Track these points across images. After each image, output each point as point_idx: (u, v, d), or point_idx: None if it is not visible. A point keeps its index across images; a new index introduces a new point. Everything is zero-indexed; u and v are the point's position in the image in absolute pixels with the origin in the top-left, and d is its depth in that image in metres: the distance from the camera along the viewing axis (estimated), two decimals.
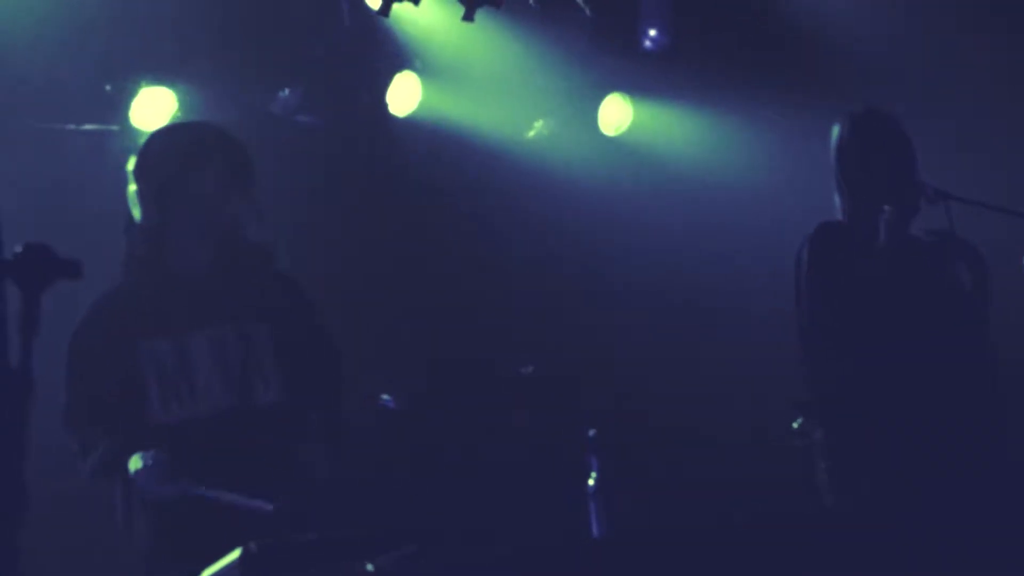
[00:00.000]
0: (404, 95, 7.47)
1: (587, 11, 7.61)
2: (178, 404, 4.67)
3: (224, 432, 4.64)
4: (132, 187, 4.83)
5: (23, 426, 2.64)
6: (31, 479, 2.70)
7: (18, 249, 2.65)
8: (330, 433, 4.86)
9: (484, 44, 7.44)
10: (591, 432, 4.64)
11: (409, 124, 7.56)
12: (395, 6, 6.63)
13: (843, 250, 5.44)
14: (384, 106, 7.41)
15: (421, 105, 7.52)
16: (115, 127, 6.89)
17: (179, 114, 6.85)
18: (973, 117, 7.69)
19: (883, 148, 5.46)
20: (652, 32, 7.87)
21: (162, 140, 4.97)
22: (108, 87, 6.81)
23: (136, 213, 4.81)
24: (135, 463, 4.51)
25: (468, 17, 6.74)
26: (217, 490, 4.47)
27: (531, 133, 8.14)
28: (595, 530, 4.55)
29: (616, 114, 8.14)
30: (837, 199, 5.54)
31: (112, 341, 4.72)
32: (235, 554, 3.77)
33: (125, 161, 5.98)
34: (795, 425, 5.59)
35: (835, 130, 5.57)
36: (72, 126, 6.87)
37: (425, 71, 7.50)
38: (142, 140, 6.85)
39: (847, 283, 5.38)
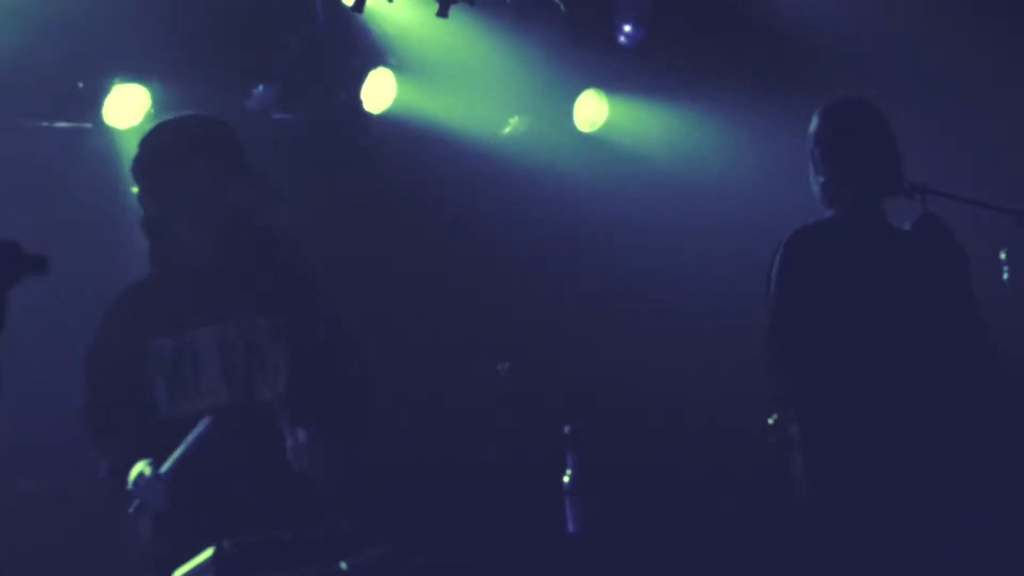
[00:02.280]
0: (379, 91, 7.47)
1: (562, 7, 7.60)
2: (183, 400, 4.66)
3: (222, 429, 4.60)
4: (134, 188, 4.84)
5: None
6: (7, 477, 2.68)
7: None
8: (339, 430, 4.82)
9: (459, 40, 7.43)
10: (566, 428, 4.62)
11: (384, 120, 7.54)
12: (369, 2, 6.61)
13: (816, 256, 5.43)
14: (359, 102, 7.39)
15: (396, 102, 7.51)
16: (88, 124, 6.87)
17: (153, 111, 6.83)
18: (954, 110, 7.70)
19: (858, 137, 5.45)
20: (627, 28, 7.87)
21: (153, 137, 4.92)
22: (81, 84, 6.78)
23: (142, 210, 4.81)
24: (132, 476, 4.51)
25: (442, 13, 6.72)
26: (174, 457, 4.46)
27: (506, 129, 8.13)
28: (570, 527, 4.53)
29: (591, 110, 8.15)
30: (815, 189, 5.54)
31: (123, 340, 4.74)
32: (208, 553, 3.75)
33: (98, 158, 5.98)
34: (771, 420, 5.59)
35: (813, 119, 5.56)
36: (45, 123, 6.84)
37: (400, 67, 7.49)
38: (116, 137, 6.93)
39: (818, 297, 5.37)
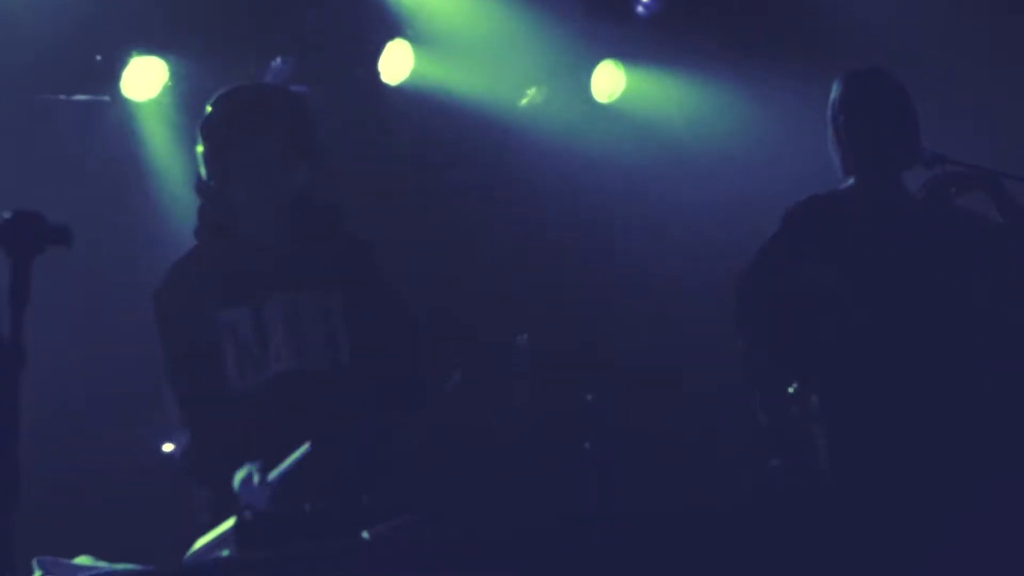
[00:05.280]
0: (396, 63, 7.46)
1: None
2: (253, 370, 4.63)
3: (291, 396, 4.60)
4: (199, 147, 4.77)
5: (15, 399, 2.61)
6: (30, 456, 2.67)
7: (7, 216, 2.62)
8: (396, 401, 4.82)
9: (476, 11, 7.42)
10: (588, 396, 4.63)
11: (401, 92, 7.54)
12: None
13: (818, 225, 5.42)
14: (376, 74, 7.38)
15: (413, 73, 7.50)
16: (106, 97, 6.87)
17: (170, 84, 6.84)
18: (971, 84, 7.67)
19: (879, 105, 5.43)
20: None
21: (226, 100, 4.82)
22: (99, 57, 6.79)
23: (202, 172, 4.76)
24: (238, 480, 4.44)
25: None
26: (278, 471, 4.40)
27: (524, 101, 8.12)
28: (591, 497, 4.55)
29: (609, 81, 8.13)
30: (835, 158, 5.53)
31: (191, 309, 4.66)
32: (230, 522, 3.76)
33: (116, 131, 5.96)
34: (791, 390, 5.58)
35: (834, 88, 5.55)
36: (63, 96, 6.84)
37: (417, 39, 7.48)
38: (134, 110, 6.94)
39: (805, 264, 5.37)
